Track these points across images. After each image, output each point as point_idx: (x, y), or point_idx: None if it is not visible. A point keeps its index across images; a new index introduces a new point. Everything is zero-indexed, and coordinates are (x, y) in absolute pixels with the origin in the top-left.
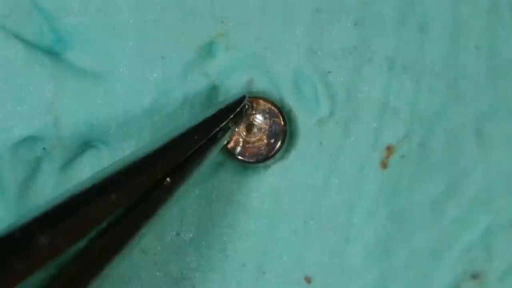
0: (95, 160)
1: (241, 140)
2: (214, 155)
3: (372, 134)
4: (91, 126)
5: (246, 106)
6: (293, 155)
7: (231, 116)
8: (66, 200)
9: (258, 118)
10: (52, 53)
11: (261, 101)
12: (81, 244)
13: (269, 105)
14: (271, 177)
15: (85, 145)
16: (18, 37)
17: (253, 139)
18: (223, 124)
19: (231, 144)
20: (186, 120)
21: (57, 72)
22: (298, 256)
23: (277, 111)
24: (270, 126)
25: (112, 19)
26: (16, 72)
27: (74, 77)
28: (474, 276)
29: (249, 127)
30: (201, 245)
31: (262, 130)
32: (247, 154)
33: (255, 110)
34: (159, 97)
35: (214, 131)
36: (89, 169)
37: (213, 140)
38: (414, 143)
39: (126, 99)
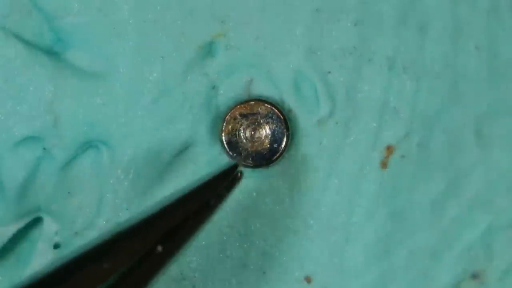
0: (95, 160)
1: (244, 145)
2: (207, 222)
3: (372, 134)
4: (91, 126)
5: (239, 174)
6: (293, 154)
7: (224, 184)
8: (58, 269)
9: (262, 123)
10: (52, 53)
11: (264, 106)
12: None
13: (273, 110)
14: (271, 177)
15: (85, 145)
16: (18, 37)
17: (256, 144)
18: (215, 192)
19: (235, 150)
20: (178, 189)
21: (57, 72)
22: (298, 256)
23: (280, 116)
24: (273, 131)
25: (112, 19)
26: (16, 72)
27: (74, 77)
28: (474, 276)
29: (253, 132)
30: (201, 245)
31: (265, 135)
32: (250, 159)
33: (258, 115)
34: (159, 96)
35: (207, 199)
36: (89, 169)
37: (206, 208)
38: (414, 143)
39: (126, 99)
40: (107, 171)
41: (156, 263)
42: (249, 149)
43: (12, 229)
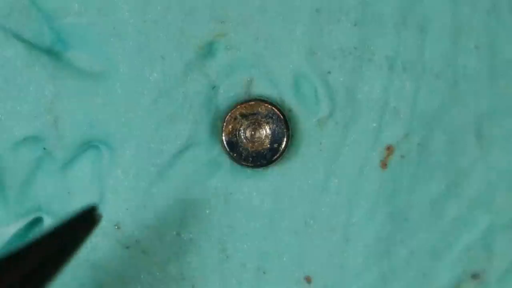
0: (95, 160)
1: (244, 145)
2: (64, 266)
3: (372, 134)
4: (91, 126)
5: (97, 217)
6: (293, 155)
7: (82, 226)
8: None
9: (262, 123)
10: (52, 53)
11: (264, 105)
12: None
13: (273, 110)
14: (271, 176)
15: (85, 145)
16: (18, 37)
17: (256, 144)
18: (73, 235)
19: (235, 150)
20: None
21: (57, 72)
22: (298, 256)
23: (280, 115)
24: (273, 131)
25: (112, 19)
26: (16, 72)
27: (74, 77)
28: (474, 276)
29: (253, 132)
30: (201, 245)
31: (265, 135)
32: (250, 159)
33: (259, 115)
34: (159, 97)
35: (64, 243)
36: (89, 169)
37: (63, 252)
38: (414, 143)
39: (126, 99)
40: (107, 171)
41: None
42: (249, 149)
43: (12, 229)
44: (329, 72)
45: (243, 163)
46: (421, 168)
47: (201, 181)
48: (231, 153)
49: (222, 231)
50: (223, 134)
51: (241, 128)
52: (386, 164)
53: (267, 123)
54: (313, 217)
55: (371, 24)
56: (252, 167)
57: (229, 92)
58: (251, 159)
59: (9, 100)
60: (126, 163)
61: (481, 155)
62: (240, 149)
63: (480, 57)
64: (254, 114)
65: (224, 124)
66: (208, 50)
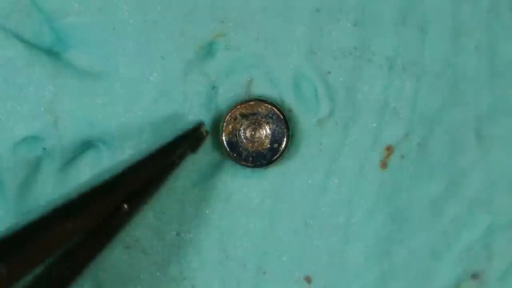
0: (95, 160)
1: (244, 145)
2: (170, 180)
3: (372, 134)
4: (91, 126)
5: (204, 133)
6: (293, 155)
7: (188, 143)
8: (23, 227)
9: (262, 123)
10: (52, 53)
11: (264, 105)
12: (39, 271)
13: (273, 110)
14: (271, 177)
15: (85, 145)
16: (18, 37)
17: (257, 144)
18: (179, 151)
19: (235, 150)
20: (144, 147)
21: (57, 72)
22: (298, 256)
23: (280, 115)
24: (274, 131)
25: (112, 19)
26: (16, 72)
27: (74, 77)
28: (474, 276)
29: (253, 132)
30: (201, 245)
31: (265, 135)
32: (250, 159)
33: (259, 115)
34: (159, 97)
35: (171, 158)
36: (89, 169)
37: (170, 167)
38: (414, 143)
39: (126, 99)
40: (107, 171)
41: (121, 221)
42: (249, 149)
43: None
44: (329, 72)
45: (243, 163)
46: (421, 168)
47: (201, 181)
48: (231, 153)
49: (222, 231)
50: (223, 134)
51: (241, 128)
52: (386, 164)
53: (267, 123)
54: (313, 217)
55: (371, 24)
56: (252, 167)
57: (229, 92)
58: (251, 159)
59: (9, 100)
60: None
61: (481, 155)
62: (240, 149)
63: (480, 57)
64: (254, 114)
65: (224, 124)
66: (208, 50)
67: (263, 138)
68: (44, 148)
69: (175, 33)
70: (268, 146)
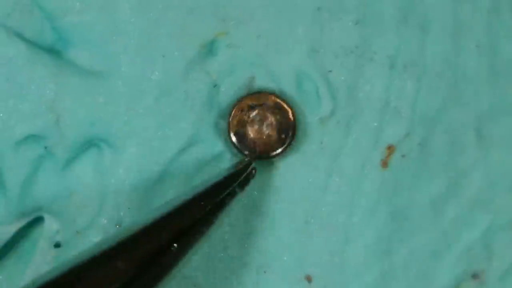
0: (97, 159)
1: (251, 136)
2: (221, 220)
3: (373, 133)
4: (92, 125)
5: (253, 172)
6: (294, 153)
7: (237, 182)
8: (75, 267)
9: (268, 114)
10: (54, 52)
11: (271, 97)
12: None
13: (278, 101)
14: (272, 176)
15: (87, 143)
16: (19, 36)
17: (264, 135)
18: (229, 189)
19: (242, 141)
20: (194, 186)
21: (58, 70)
22: (299, 255)
23: (286, 106)
24: (280, 122)
25: (113, 17)
26: (18, 71)
27: (75, 75)
28: (474, 276)
29: (260, 123)
30: (202, 244)
31: (272, 126)
32: (257, 149)
33: (266, 106)
34: (160, 95)
35: (221, 197)
36: (91, 168)
37: (220, 206)
38: (414, 143)
39: (127, 98)
40: (108, 170)
41: (171, 260)
42: (256, 140)
43: (13, 228)
44: (330, 71)
45: (251, 154)
46: (422, 167)
47: (203, 180)
48: (238, 145)
49: (223, 230)
50: (230, 126)
51: (248, 120)
52: (387, 164)
53: (274, 114)
54: (313, 216)
55: (372, 23)
56: (260, 158)
57: (231, 90)
58: (258, 150)
59: (10, 99)
60: (128, 162)
61: (481, 155)
62: (248, 140)
63: (480, 56)
64: (261, 105)
65: (231, 116)
66: (209, 49)
67: (271, 129)
68: (46, 147)
69: (176, 32)
70: (276, 137)
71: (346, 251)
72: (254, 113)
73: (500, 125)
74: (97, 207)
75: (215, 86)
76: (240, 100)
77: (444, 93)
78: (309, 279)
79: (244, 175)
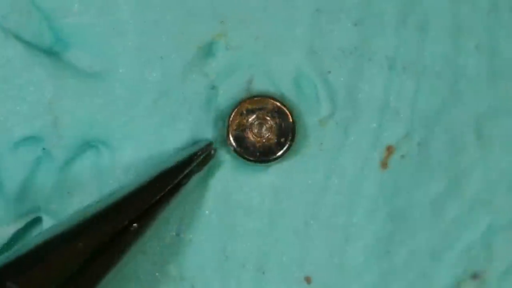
0: (95, 160)
1: (251, 140)
2: (178, 199)
3: (372, 134)
4: (90, 126)
5: (212, 152)
6: (294, 154)
7: (195, 163)
8: (34, 248)
9: (267, 118)
10: (52, 53)
11: (269, 101)
12: None
13: (278, 104)
14: (271, 176)
15: (85, 145)
16: (17, 37)
17: (263, 138)
18: (186, 171)
19: (242, 145)
20: (153, 167)
21: (56, 72)
22: (298, 256)
23: (285, 110)
24: (280, 125)
25: (112, 19)
26: (16, 72)
27: (73, 77)
28: (474, 276)
29: (259, 127)
30: (200, 245)
31: (272, 130)
32: (257, 153)
33: (265, 110)
34: (158, 97)
35: (179, 178)
36: (89, 169)
37: (178, 186)
38: (414, 143)
39: (126, 99)
40: (106, 172)
41: (130, 239)
42: (256, 144)
43: (11, 229)
44: (329, 72)
45: (250, 158)
46: (421, 168)
47: (201, 181)
48: (238, 149)
49: (221, 231)
50: (230, 130)
51: (247, 123)
52: (386, 164)
53: (273, 117)
54: (313, 217)
55: (371, 24)
56: (259, 162)
57: (229, 92)
58: (258, 153)
59: (8, 100)
60: (126, 163)
61: (481, 155)
62: (247, 144)
63: (480, 56)
64: (261, 109)
65: (231, 119)
66: (208, 50)
67: (270, 132)
68: (44, 148)
69: (175, 33)
70: (275, 140)
71: (346, 252)
72: (253, 117)
73: (500, 125)
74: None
75: (213, 87)
76: (239, 104)
77: (443, 93)
78: (308, 280)
79: (203, 155)
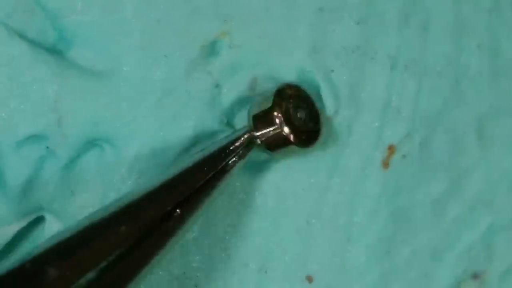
0: (99, 159)
1: (290, 128)
2: (223, 186)
3: (374, 133)
4: (94, 125)
5: (254, 139)
6: (296, 154)
7: (240, 149)
8: (77, 232)
9: (297, 106)
10: (56, 52)
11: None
12: (91, 275)
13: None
14: (274, 176)
15: (89, 144)
16: (21, 35)
17: (301, 123)
18: (231, 156)
19: (285, 131)
20: (195, 152)
21: (60, 70)
22: (300, 255)
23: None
24: (309, 112)
25: (116, 17)
26: (20, 71)
27: (77, 76)
28: (475, 276)
29: (294, 114)
30: (203, 244)
31: (303, 117)
32: (303, 137)
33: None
34: (162, 95)
35: (223, 164)
36: (93, 168)
37: (222, 172)
38: (415, 143)
39: (130, 98)
40: (111, 170)
41: (174, 225)
42: (300, 127)
43: (15, 228)
44: (332, 71)
45: (294, 146)
46: (423, 167)
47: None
48: (286, 130)
49: (224, 230)
50: (275, 112)
51: (290, 107)
52: (388, 164)
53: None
54: (315, 216)
55: (373, 22)
56: (302, 146)
57: (233, 90)
58: (304, 137)
59: (12, 99)
60: (130, 162)
61: (483, 155)
62: (293, 127)
63: (482, 56)
64: (296, 96)
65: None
66: (211, 49)
67: (305, 118)
68: (48, 147)
69: (178, 32)
70: (311, 126)
71: (347, 251)
72: (292, 102)
73: (501, 125)
74: (99, 207)
75: (217, 86)
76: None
77: (445, 93)
78: (310, 279)
79: (245, 142)
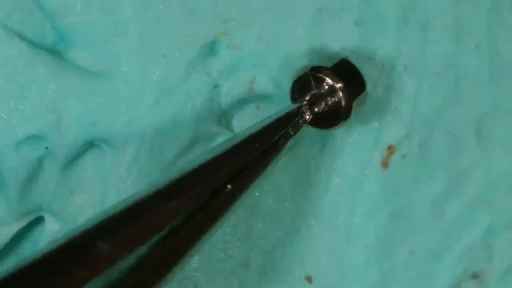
0: (98, 159)
1: (323, 107)
2: (275, 162)
3: (373, 133)
4: (93, 125)
5: (305, 114)
6: (295, 154)
7: (292, 123)
8: (127, 207)
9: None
10: (55, 52)
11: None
12: (142, 251)
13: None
14: (273, 176)
15: (88, 144)
16: (20, 36)
17: (332, 103)
18: (283, 131)
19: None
20: (246, 127)
21: (59, 71)
22: (300, 256)
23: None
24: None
25: (114, 18)
26: (18, 71)
27: (76, 76)
28: (475, 276)
29: (330, 94)
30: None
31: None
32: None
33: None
34: (161, 96)
35: (275, 139)
36: (92, 168)
37: (274, 148)
38: (415, 143)
39: (128, 98)
40: (109, 171)
41: (225, 201)
42: (324, 108)
43: (14, 228)
44: None
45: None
46: (422, 168)
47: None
48: (313, 109)
49: (224, 231)
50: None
51: (315, 89)
52: (387, 164)
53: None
54: (314, 216)
55: (372, 23)
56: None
57: (232, 91)
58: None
59: (11, 99)
60: (129, 162)
61: (482, 155)
62: (320, 107)
63: (481, 57)
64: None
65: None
66: (210, 49)
67: (337, 98)
68: (47, 147)
69: (177, 32)
70: (343, 104)
71: (347, 251)
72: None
73: (501, 125)
74: (97, 208)
75: (216, 86)
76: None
77: (444, 93)
78: (309, 279)
79: (297, 117)
